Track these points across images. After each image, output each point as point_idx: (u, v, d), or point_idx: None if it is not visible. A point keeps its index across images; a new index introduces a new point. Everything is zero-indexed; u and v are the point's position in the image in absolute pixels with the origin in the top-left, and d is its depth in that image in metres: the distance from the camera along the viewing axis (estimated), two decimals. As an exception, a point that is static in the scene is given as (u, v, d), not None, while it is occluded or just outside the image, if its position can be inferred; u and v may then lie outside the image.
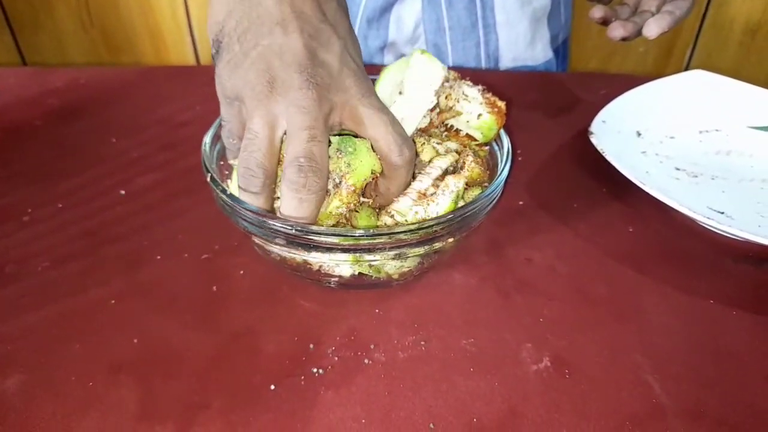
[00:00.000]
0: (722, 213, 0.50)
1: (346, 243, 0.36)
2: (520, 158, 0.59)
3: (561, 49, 0.87)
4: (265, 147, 0.35)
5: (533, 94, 0.71)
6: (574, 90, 0.72)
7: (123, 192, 0.52)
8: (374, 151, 0.37)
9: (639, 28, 0.55)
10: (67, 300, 0.42)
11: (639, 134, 0.58)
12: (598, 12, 0.57)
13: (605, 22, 0.57)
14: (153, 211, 0.50)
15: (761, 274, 0.46)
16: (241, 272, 0.44)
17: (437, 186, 0.40)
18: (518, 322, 0.41)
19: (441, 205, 0.39)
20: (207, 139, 0.43)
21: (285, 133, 0.36)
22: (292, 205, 0.35)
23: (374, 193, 0.39)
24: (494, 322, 0.41)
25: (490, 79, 0.75)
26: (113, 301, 0.42)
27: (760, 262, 0.47)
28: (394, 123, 0.37)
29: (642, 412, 0.36)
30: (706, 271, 0.47)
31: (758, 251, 0.48)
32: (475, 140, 0.45)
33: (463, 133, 0.45)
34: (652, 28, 0.54)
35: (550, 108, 0.68)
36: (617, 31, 0.55)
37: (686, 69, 1.37)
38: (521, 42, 0.81)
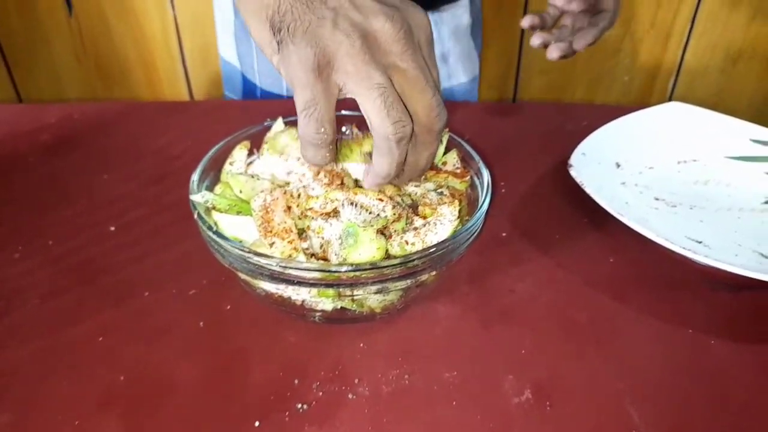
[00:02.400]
0: (700, 242, 0.52)
1: (329, 278, 0.37)
2: (503, 190, 0.60)
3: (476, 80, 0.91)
4: (396, 95, 0.35)
5: (517, 125, 0.73)
6: (558, 120, 0.73)
7: (113, 228, 0.53)
8: (414, 115, 0.36)
9: (569, 49, 0.60)
10: (54, 336, 0.42)
11: (618, 165, 0.60)
12: (536, 39, 0.61)
13: (545, 46, 0.61)
14: (142, 245, 0.51)
15: (737, 301, 0.47)
16: (228, 307, 0.45)
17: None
18: (500, 353, 0.42)
19: (441, 234, 0.40)
20: (195, 176, 0.44)
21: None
22: (430, 150, 0.38)
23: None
24: (477, 354, 0.42)
25: (473, 111, 0.76)
26: (101, 338, 0.42)
27: (737, 289, 0.48)
28: (435, 88, 0.36)
29: (621, 443, 0.37)
30: (685, 299, 0.48)
31: (735, 279, 0.49)
32: (456, 175, 0.46)
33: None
34: (579, 42, 0.60)
35: (533, 139, 0.69)
36: (554, 53, 0.60)
37: (670, 96, 1.40)
38: (451, 59, 0.83)
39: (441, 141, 0.48)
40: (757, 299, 0.48)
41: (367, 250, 0.37)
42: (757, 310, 0.47)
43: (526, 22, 0.63)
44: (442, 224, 0.40)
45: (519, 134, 0.70)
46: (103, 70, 1.31)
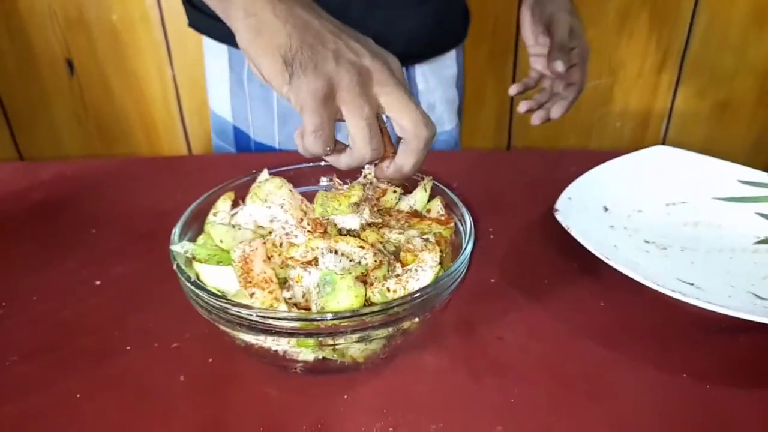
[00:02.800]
0: (692, 284, 0.51)
1: (308, 327, 0.36)
2: (491, 236, 0.60)
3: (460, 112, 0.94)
4: (378, 128, 0.42)
5: (504, 173, 0.73)
6: (546, 167, 0.74)
7: (98, 282, 0.52)
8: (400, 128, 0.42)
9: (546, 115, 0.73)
10: (32, 396, 0.41)
11: (606, 209, 0.60)
12: (523, 106, 0.74)
13: (530, 111, 0.74)
14: (126, 300, 0.50)
15: (733, 345, 0.46)
16: (210, 360, 0.44)
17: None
18: (489, 404, 0.41)
19: (422, 280, 0.40)
20: (176, 229, 0.44)
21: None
22: (413, 159, 0.43)
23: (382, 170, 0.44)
24: (464, 405, 0.41)
25: (461, 160, 0.77)
26: (79, 395, 0.41)
27: (732, 332, 0.47)
28: (416, 104, 0.42)
29: (616, 497, 0.35)
30: (679, 344, 0.46)
31: (730, 322, 0.48)
32: (440, 222, 0.46)
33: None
34: (555, 111, 0.73)
35: (521, 186, 0.70)
36: (535, 120, 0.73)
37: (663, 140, 1.41)
38: (439, 108, 0.85)
39: (425, 187, 0.49)
40: (752, 341, 0.46)
41: (345, 297, 0.37)
42: (754, 353, 0.45)
43: (513, 90, 0.77)
44: (423, 270, 0.40)
45: (507, 182, 0.71)
46: (103, 130, 1.33)
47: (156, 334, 0.47)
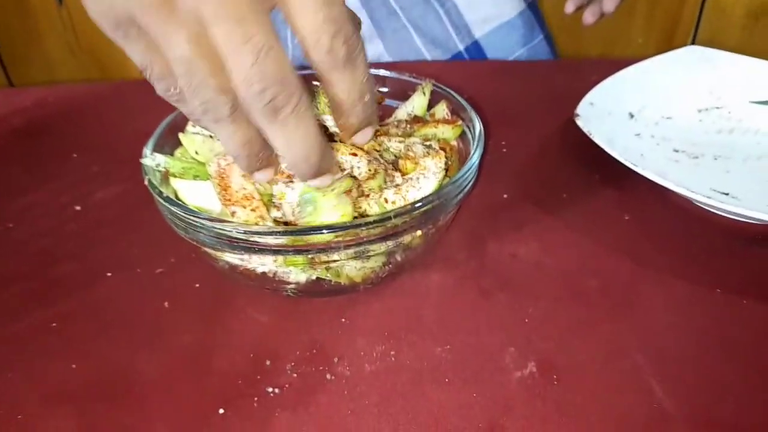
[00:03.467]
0: (727, 194, 0.46)
1: (296, 244, 0.32)
2: (504, 150, 0.55)
3: (535, 6, 0.82)
4: (208, 66, 0.26)
5: (519, 84, 0.67)
6: (564, 78, 0.68)
7: (78, 208, 0.49)
8: (301, 46, 0.28)
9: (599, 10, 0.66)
10: (6, 325, 0.38)
11: (632, 116, 0.54)
12: (570, 5, 0.67)
13: (580, 8, 0.67)
14: (108, 226, 0.47)
15: (774, 257, 0.42)
16: (197, 285, 0.41)
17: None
18: (500, 324, 0.37)
19: (424, 189, 0.35)
20: (150, 142, 0.39)
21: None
22: (281, 136, 0.28)
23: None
24: (474, 326, 0.37)
25: (472, 71, 0.71)
26: (54, 324, 0.38)
27: (773, 245, 0.43)
28: (328, 4, 0.26)
29: (643, 420, 0.31)
30: (712, 258, 0.42)
31: (766, 231, 0.43)
32: (446, 122, 0.41)
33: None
34: (608, 4, 0.65)
35: (537, 97, 0.64)
36: (589, 18, 0.66)
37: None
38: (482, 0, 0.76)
39: (424, 90, 0.43)
40: (795, 253, 0.42)
41: (329, 217, 0.32)
42: (797, 266, 0.41)
43: (570, 7, 0.68)
44: (426, 178, 0.35)
45: (522, 92, 0.65)
46: (97, 59, 1.28)
47: (139, 260, 0.43)
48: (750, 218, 0.42)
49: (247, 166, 0.31)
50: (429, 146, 0.38)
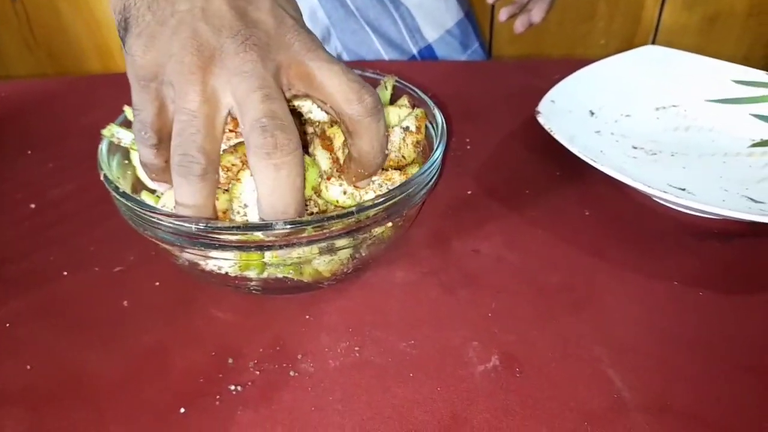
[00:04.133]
0: (683, 189, 0.47)
1: (255, 240, 0.32)
2: (468, 147, 0.55)
3: (471, 16, 0.85)
4: (205, 128, 0.30)
5: (483, 83, 0.68)
6: (527, 76, 0.68)
7: (33, 206, 0.47)
8: (332, 108, 0.33)
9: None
10: (-45, 327, 0.37)
11: (592, 113, 0.55)
12: (503, 14, 0.72)
13: (512, 17, 0.72)
14: (64, 224, 0.45)
15: (728, 250, 0.43)
16: (157, 284, 0.40)
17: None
18: (464, 319, 0.37)
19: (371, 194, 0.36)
20: (103, 146, 0.38)
21: (229, 114, 0.31)
22: (268, 176, 0.29)
23: (347, 167, 0.35)
24: (437, 321, 0.37)
25: (435, 70, 0.71)
26: (8, 324, 0.37)
27: (727, 238, 0.44)
28: (348, 72, 0.32)
29: (601, 409, 0.32)
30: (669, 251, 0.43)
31: (723, 227, 0.45)
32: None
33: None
34: (536, 15, 0.71)
35: (501, 96, 0.64)
36: (518, 27, 0.71)
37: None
38: (432, 6, 0.78)
39: (386, 85, 0.43)
40: (747, 246, 0.43)
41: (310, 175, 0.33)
42: (748, 257, 0.42)
43: (503, 16, 0.73)
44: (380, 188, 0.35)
45: (485, 91, 0.65)
46: (55, 55, 1.24)
47: (96, 258, 0.42)
48: (705, 212, 0.43)
49: (189, 213, 0.31)
50: (406, 128, 0.38)
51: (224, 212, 0.33)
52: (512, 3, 0.74)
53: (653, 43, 1.33)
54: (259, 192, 0.30)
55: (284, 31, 0.32)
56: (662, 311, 0.38)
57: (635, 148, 0.52)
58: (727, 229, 0.45)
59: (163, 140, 0.32)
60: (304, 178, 0.31)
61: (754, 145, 0.53)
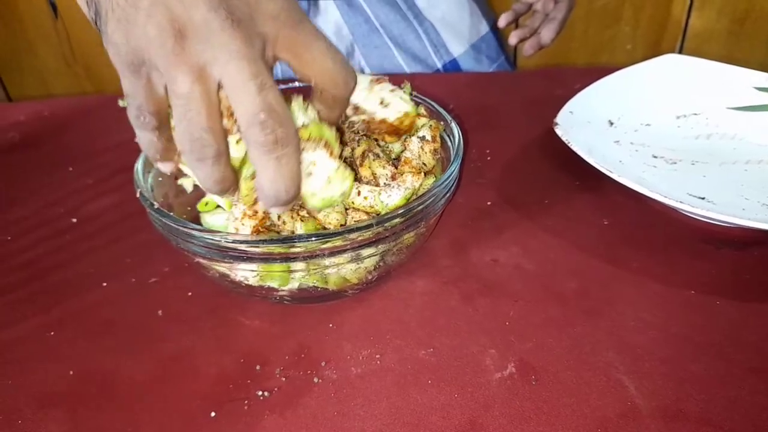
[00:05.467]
0: (702, 198, 0.47)
1: (281, 251, 0.34)
2: (488, 158, 0.56)
3: (496, 29, 0.86)
4: (205, 106, 0.29)
5: (503, 94, 0.69)
6: (547, 86, 0.69)
7: (74, 219, 0.50)
8: (316, 84, 0.33)
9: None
10: (5, 331, 0.39)
11: (611, 123, 0.55)
12: (513, 38, 0.71)
13: (522, 40, 0.72)
14: (103, 236, 0.48)
15: (745, 259, 0.43)
16: (189, 294, 0.42)
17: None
18: (481, 327, 0.39)
19: (393, 197, 0.37)
20: (139, 164, 0.41)
21: (220, 85, 0.30)
22: (270, 169, 0.30)
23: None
24: (456, 329, 0.38)
25: (456, 82, 0.73)
26: (52, 332, 0.39)
27: (744, 247, 0.44)
28: (332, 51, 0.32)
29: (615, 415, 0.33)
30: (686, 260, 0.43)
31: (741, 236, 0.45)
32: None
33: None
34: (545, 36, 0.70)
35: (521, 106, 0.65)
36: (528, 50, 0.71)
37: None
38: (457, 21, 0.79)
39: (405, 90, 0.44)
40: (765, 255, 0.43)
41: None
42: (766, 267, 0.42)
43: (503, 21, 0.72)
44: (398, 188, 0.37)
45: (505, 102, 0.66)
46: (92, 71, 1.29)
47: (133, 270, 0.44)
48: (724, 222, 0.43)
49: (218, 194, 0.33)
50: (423, 138, 0.40)
51: (242, 160, 0.33)
52: (524, 26, 0.74)
53: (681, 47, 1.31)
54: (260, 179, 0.31)
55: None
56: (677, 319, 0.39)
57: (655, 157, 0.53)
58: (745, 238, 0.45)
59: (162, 122, 0.32)
60: (300, 161, 0.31)
61: (776, 152, 0.53)
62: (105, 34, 0.31)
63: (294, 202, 0.32)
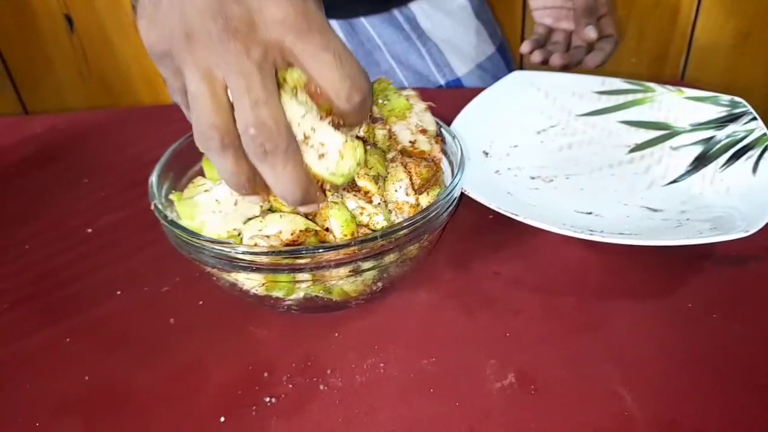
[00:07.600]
0: (590, 213, 0.48)
1: (288, 262, 0.35)
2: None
3: (504, 49, 0.87)
4: (209, 104, 0.31)
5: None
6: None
7: (89, 230, 0.52)
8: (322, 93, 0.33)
9: (575, 60, 0.73)
10: (23, 340, 0.41)
11: (486, 154, 0.55)
12: (537, 56, 0.72)
13: (545, 61, 0.72)
14: (117, 247, 0.50)
15: (742, 273, 0.44)
16: (201, 303, 0.44)
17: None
18: (482, 338, 0.40)
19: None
20: (154, 177, 0.42)
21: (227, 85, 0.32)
22: (267, 174, 0.32)
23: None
24: (457, 340, 0.40)
25: (457, 98, 0.74)
26: (68, 339, 0.41)
27: (741, 261, 0.45)
28: (340, 64, 0.32)
29: (611, 426, 0.34)
30: (684, 274, 0.44)
31: (739, 250, 0.46)
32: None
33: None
34: (591, 60, 0.73)
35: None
36: (556, 60, 0.72)
37: (683, 74, 1.35)
38: (462, 42, 0.80)
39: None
40: (764, 270, 0.44)
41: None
42: (765, 282, 0.43)
43: (526, 48, 0.74)
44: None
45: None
46: (106, 84, 1.32)
47: (146, 279, 0.46)
48: (611, 243, 0.43)
49: (235, 190, 0.34)
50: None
51: None
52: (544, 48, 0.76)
53: (686, 60, 1.32)
54: (267, 182, 0.33)
55: (268, 4, 0.31)
56: (674, 332, 0.40)
57: (533, 178, 0.53)
58: (742, 252, 0.46)
59: None
60: (303, 164, 0.33)
61: (631, 150, 0.54)
62: (138, 26, 0.33)
63: (317, 201, 0.34)
